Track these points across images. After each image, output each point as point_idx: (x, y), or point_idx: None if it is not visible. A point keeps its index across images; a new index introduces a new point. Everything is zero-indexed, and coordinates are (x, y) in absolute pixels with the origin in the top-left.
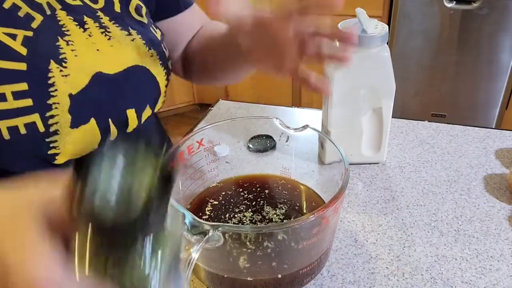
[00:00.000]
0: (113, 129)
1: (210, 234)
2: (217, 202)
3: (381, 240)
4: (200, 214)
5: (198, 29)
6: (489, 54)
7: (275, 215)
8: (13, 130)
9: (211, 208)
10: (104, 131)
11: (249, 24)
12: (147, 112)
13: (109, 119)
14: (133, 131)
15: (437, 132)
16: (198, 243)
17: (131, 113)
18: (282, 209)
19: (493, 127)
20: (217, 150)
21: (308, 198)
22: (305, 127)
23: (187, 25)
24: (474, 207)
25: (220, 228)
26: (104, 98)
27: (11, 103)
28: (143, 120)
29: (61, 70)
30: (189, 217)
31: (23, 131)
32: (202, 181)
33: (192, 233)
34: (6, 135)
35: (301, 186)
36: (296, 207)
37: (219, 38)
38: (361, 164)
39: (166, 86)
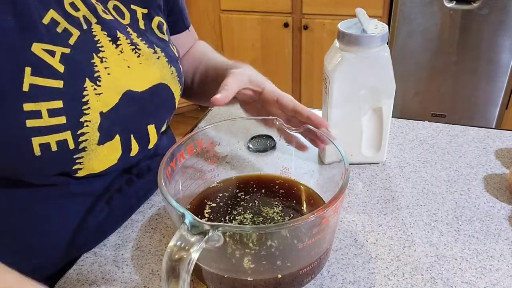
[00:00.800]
0: (134, 145)
1: (210, 234)
2: (217, 202)
3: (381, 240)
4: (200, 214)
5: (189, 48)
6: (489, 54)
7: (275, 215)
8: (44, 146)
9: (211, 208)
10: (126, 146)
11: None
12: (164, 127)
13: (131, 135)
14: (154, 147)
15: (437, 132)
16: (198, 243)
17: (151, 129)
18: (282, 209)
19: (493, 127)
20: (217, 150)
21: (308, 198)
22: (304, 127)
23: (184, 44)
24: (474, 207)
25: (220, 228)
26: (130, 115)
27: (46, 121)
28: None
29: (95, 89)
30: (189, 217)
31: (54, 148)
32: (202, 181)
33: (192, 233)
34: (37, 152)
35: (301, 186)
36: (296, 207)
37: (221, 76)
38: (361, 164)
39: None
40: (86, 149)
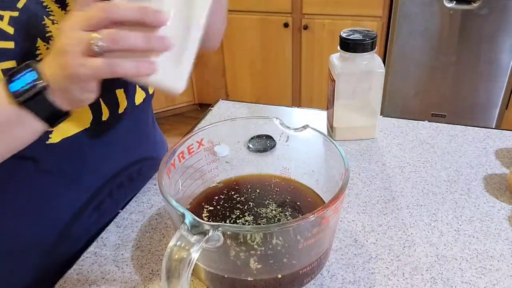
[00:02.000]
0: (105, 109)
1: (210, 234)
2: (217, 202)
3: (381, 240)
4: (200, 214)
5: None
6: (489, 54)
7: (275, 215)
8: None
9: (211, 208)
10: (96, 111)
11: None
12: (140, 95)
13: (100, 99)
14: (124, 111)
15: (437, 132)
16: (198, 243)
17: (120, 93)
18: (282, 209)
19: (493, 127)
20: (217, 150)
21: (308, 198)
22: (305, 127)
23: None
24: (474, 207)
25: (220, 228)
26: None
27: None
28: (137, 102)
29: (47, 48)
30: (189, 217)
31: None
32: (202, 181)
33: (192, 233)
34: None
35: (301, 186)
36: (296, 207)
37: None
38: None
39: None
40: None
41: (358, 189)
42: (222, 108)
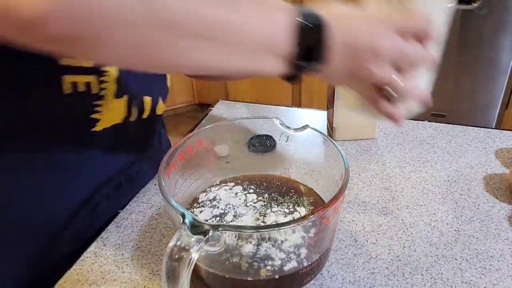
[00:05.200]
0: (134, 111)
1: (210, 234)
2: (217, 202)
3: (381, 240)
4: (200, 214)
5: None
6: (489, 54)
7: (275, 215)
8: (74, 85)
9: (211, 208)
10: (129, 109)
11: None
12: (161, 106)
13: (132, 101)
14: (147, 117)
15: (437, 132)
16: (198, 243)
17: (146, 100)
18: (282, 209)
19: (493, 127)
20: (217, 150)
21: (308, 198)
22: (305, 127)
23: None
24: (474, 207)
25: (220, 228)
26: (135, 80)
27: (75, 61)
28: (158, 112)
29: None
30: (189, 217)
31: (81, 88)
32: (202, 181)
33: (192, 233)
34: (67, 89)
35: (301, 186)
36: (296, 208)
37: None
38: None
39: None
40: (104, 98)
41: (358, 189)
42: (222, 108)
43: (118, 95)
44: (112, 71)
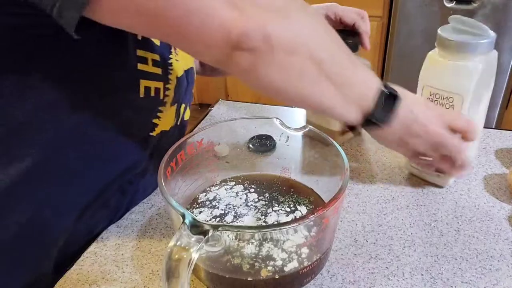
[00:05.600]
0: (176, 118)
1: (210, 234)
2: (217, 202)
3: (381, 240)
4: (200, 214)
5: None
6: None
7: (275, 215)
8: (147, 90)
9: (211, 209)
10: (177, 116)
11: None
12: (188, 113)
13: (178, 108)
14: (180, 122)
15: None
16: (198, 243)
17: (182, 108)
18: (282, 209)
19: (493, 127)
20: (217, 150)
21: (308, 198)
22: (305, 127)
23: None
24: (474, 207)
25: (220, 228)
26: (182, 88)
27: (150, 67)
28: (186, 117)
29: (176, 53)
30: (189, 217)
31: (152, 93)
32: (202, 181)
33: (192, 233)
34: (142, 93)
35: (301, 186)
36: (296, 207)
37: None
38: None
39: None
40: (165, 104)
41: (358, 189)
42: (222, 108)
43: (173, 102)
44: (174, 79)
